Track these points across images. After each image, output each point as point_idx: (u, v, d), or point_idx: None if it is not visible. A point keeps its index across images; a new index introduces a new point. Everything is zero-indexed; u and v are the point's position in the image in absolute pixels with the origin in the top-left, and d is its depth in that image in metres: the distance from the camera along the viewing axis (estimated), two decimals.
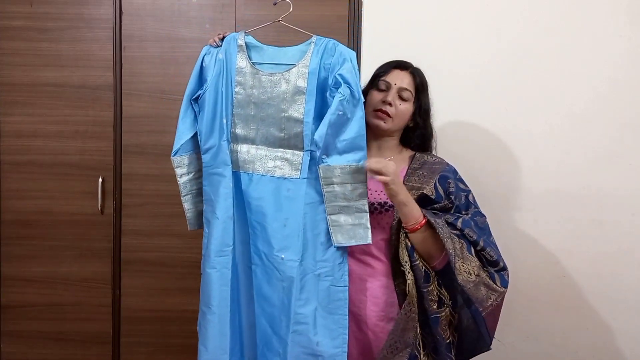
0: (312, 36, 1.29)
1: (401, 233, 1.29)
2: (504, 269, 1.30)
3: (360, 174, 1.24)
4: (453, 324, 1.33)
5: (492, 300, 1.26)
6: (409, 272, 1.26)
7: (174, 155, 1.37)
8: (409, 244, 1.27)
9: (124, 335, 1.95)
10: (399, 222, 1.29)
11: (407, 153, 1.44)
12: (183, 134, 1.36)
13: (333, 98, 1.22)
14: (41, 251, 1.94)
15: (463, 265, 1.24)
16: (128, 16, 1.88)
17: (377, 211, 1.33)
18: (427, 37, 1.84)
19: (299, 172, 1.27)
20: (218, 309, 1.28)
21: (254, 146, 1.30)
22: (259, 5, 1.88)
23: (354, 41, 1.86)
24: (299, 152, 1.26)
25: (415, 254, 1.27)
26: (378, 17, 1.85)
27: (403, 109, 1.37)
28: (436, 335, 1.28)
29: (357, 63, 1.85)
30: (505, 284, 1.28)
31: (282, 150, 1.27)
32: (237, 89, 1.29)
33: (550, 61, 1.81)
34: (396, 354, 1.26)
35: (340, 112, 1.19)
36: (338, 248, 1.26)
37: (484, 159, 1.84)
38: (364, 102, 1.37)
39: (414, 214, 1.25)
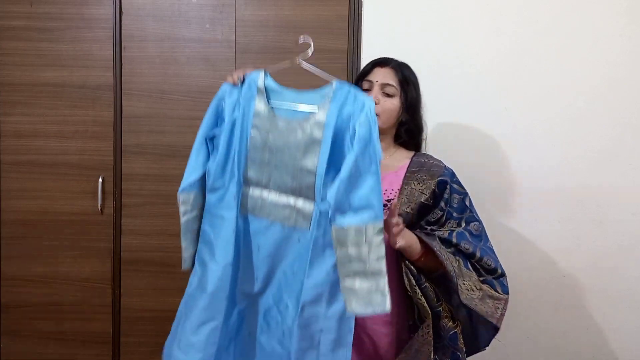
0: (332, 82, 1.21)
1: (401, 263, 1.27)
2: (503, 275, 1.29)
3: (379, 234, 1.12)
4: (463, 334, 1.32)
5: (500, 310, 1.25)
6: (420, 297, 1.24)
7: (182, 191, 1.31)
8: (413, 269, 1.25)
9: (124, 335, 1.95)
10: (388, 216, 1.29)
11: (403, 152, 1.43)
12: (194, 171, 1.29)
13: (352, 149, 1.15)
14: (41, 251, 1.94)
15: (464, 284, 1.24)
16: (128, 16, 1.89)
17: None
18: (427, 37, 1.84)
19: (309, 224, 1.20)
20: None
21: (266, 190, 1.24)
22: (259, 5, 1.88)
23: (354, 41, 1.86)
24: (310, 203, 1.20)
25: (422, 278, 1.26)
26: (378, 17, 1.85)
27: (389, 105, 1.35)
28: (457, 352, 1.27)
29: (357, 63, 1.88)
30: (506, 290, 1.27)
31: (294, 197, 1.21)
32: (253, 132, 1.23)
33: (550, 61, 1.81)
34: None
35: (354, 169, 1.12)
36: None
37: (484, 159, 1.84)
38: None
39: (415, 249, 1.25)
